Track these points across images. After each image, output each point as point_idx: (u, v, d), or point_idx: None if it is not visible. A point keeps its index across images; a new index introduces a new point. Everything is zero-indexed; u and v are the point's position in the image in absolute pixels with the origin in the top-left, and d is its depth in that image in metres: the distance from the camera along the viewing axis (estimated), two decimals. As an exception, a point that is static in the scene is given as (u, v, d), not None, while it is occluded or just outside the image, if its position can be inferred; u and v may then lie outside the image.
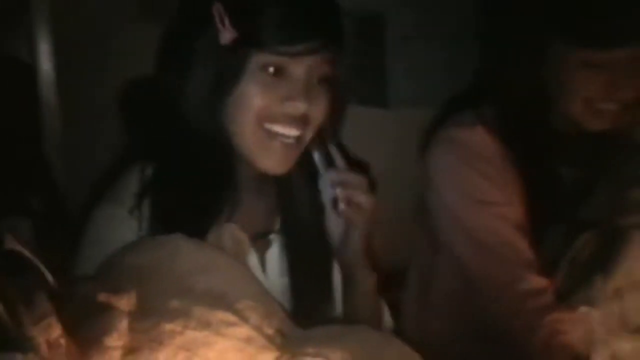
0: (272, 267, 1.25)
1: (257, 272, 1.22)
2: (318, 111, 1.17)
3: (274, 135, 1.14)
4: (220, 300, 0.85)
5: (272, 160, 1.16)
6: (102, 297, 0.81)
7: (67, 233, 1.34)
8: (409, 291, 1.65)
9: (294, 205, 1.28)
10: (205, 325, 0.82)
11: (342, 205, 1.19)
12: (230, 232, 1.00)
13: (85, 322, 0.81)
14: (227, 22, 1.11)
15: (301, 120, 1.15)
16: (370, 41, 2.61)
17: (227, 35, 1.11)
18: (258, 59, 1.11)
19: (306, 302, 1.27)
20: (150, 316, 0.82)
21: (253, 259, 1.22)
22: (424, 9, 2.55)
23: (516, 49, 1.47)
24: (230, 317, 0.83)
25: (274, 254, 1.26)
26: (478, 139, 1.48)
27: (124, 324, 0.80)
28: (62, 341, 0.78)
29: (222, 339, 0.82)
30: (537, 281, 1.43)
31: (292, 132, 1.15)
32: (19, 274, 0.81)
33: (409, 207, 1.65)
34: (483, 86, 1.54)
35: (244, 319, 0.84)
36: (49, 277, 0.85)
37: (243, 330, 0.83)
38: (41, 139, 2.35)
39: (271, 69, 1.12)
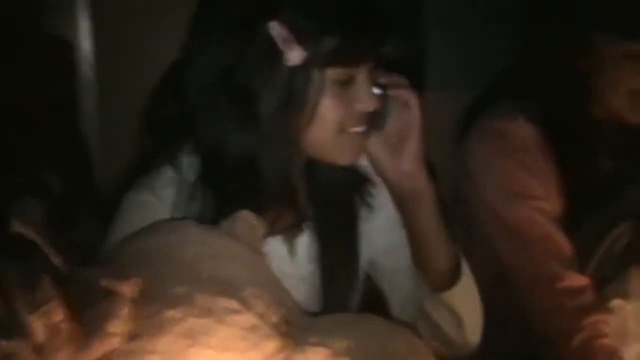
0: (301, 253, 1.26)
1: (284, 259, 1.24)
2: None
3: (352, 135, 1.15)
4: (225, 288, 0.83)
5: (350, 155, 1.18)
6: (104, 283, 0.80)
7: (92, 216, 1.34)
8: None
9: (325, 190, 1.27)
10: (208, 312, 0.80)
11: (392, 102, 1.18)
12: (244, 219, 0.98)
13: (87, 308, 0.80)
14: (292, 42, 1.08)
15: (368, 115, 1.17)
16: (410, 23, 2.58)
17: (295, 55, 1.09)
18: (328, 73, 1.11)
19: (334, 288, 1.26)
20: (153, 302, 0.81)
21: (281, 247, 1.23)
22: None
23: (558, 43, 1.43)
24: (233, 304, 0.82)
25: (305, 240, 1.26)
26: (519, 131, 1.45)
27: (126, 310, 0.79)
28: (64, 326, 0.78)
29: (225, 327, 0.80)
30: (577, 279, 1.40)
31: (361, 129, 1.17)
32: (24, 257, 0.81)
33: (442, 195, 1.62)
34: (524, 77, 1.51)
35: (248, 307, 0.82)
36: (56, 261, 0.84)
37: (246, 318, 0.82)
38: (77, 119, 2.37)
39: (341, 78, 1.12)
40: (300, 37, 1.08)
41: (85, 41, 2.56)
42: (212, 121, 1.14)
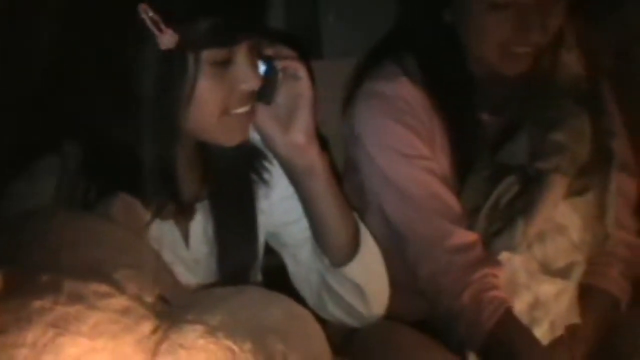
0: (196, 236, 1.24)
1: (178, 243, 1.22)
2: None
3: (236, 116, 1.13)
4: (95, 272, 0.81)
5: (235, 135, 1.16)
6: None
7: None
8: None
9: (219, 170, 1.25)
10: (77, 298, 0.78)
11: (280, 74, 1.18)
12: (121, 200, 0.96)
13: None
14: (162, 25, 1.05)
15: (252, 95, 1.14)
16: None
17: (168, 39, 1.05)
18: (204, 54, 1.07)
19: (231, 268, 1.25)
20: (18, 295, 0.79)
21: (174, 230, 1.21)
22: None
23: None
24: (104, 288, 0.80)
25: (199, 222, 1.24)
26: (402, 92, 1.45)
27: (-11, 305, 0.77)
28: None
29: (96, 312, 0.78)
30: (466, 235, 1.42)
31: (245, 109, 1.14)
32: None
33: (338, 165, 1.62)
34: (402, 36, 1.52)
35: (121, 290, 0.81)
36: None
37: (119, 301, 0.80)
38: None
39: (219, 59, 1.09)
40: (171, 20, 1.05)
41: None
42: (91, 107, 1.10)
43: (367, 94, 1.48)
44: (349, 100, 1.51)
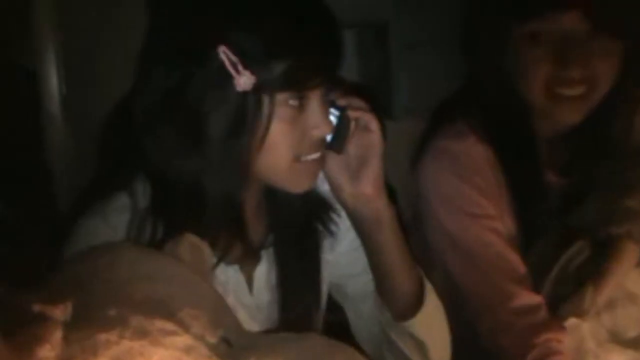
0: (260, 283, 1.24)
1: (242, 289, 1.22)
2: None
3: (306, 162, 1.14)
4: (161, 309, 0.82)
5: (304, 182, 1.17)
6: (36, 307, 0.79)
7: (40, 242, 1.32)
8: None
9: (285, 217, 1.26)
10: (143, 334, 0.79)
11: (352, 125, 1.18)
12: (188, 241, 0.97)
13: (19, 331, 0.78)
14: (240, 67, 1.06)
15: (325, 140, 1.16)
16: (373, 50, 2.59)
17: (245, 81, 1.07)
18: (279, 98, 1.09)
19: (294, 315, 1.25)
20: (86, 326, 0.80)
21: (238, 276, 1.22)
22: (427, 16, 2.52)
23: (480, 41, 1.44)
24: (169, 325, 0.80)
25: (263, 269, 1.25)
26: (469, 150, 1.45)
27: (57, 334, 0.78)
28: (-6, 348, 0.76)
29: (160, 349, 0.79)
30: (530, 298, 1.39)
31: (319, 153, 1.15)
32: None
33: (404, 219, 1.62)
34: (471, 95, 1.52)
35: (185, 328, 0.81)
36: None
37: (183, 340, 0.80)
38: (38, 147, 2.36)
39: (293, 102, 1.10)
40: (249, 62, 1.06)
41: (50, 72, 2.56)
42: (159, 146, 1.12)
43: (434, 152, 1.48)
44: (416, 157, 1.51)
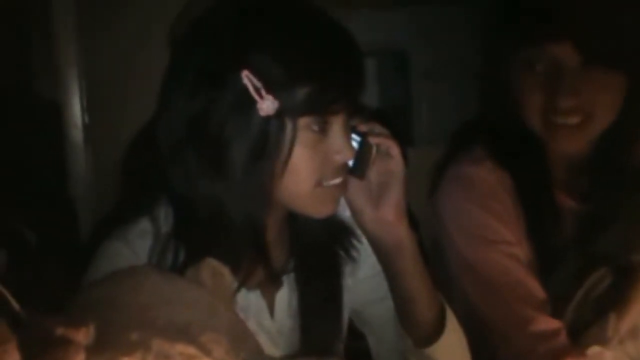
0: (281, 308, 1.24)
1: (262, 311, 1.22)
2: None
3: (328, 187, 1.14)
4: (183, 333, 0.83)
5: (326, 207, 1.16)
6: (59, 330, 0.79)
7: (64, 271, 1.34)
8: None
9: (306, 243, 1.26)
10: (164, 358, 0.80)
11: (373, 151, 1.18)
12: (210, 266, 0.98)
13: (42, 355, 0.79)
14: (263, 91, 1.07)
15: (345, 168, 1.16)
16: (394, 78, 2.61)
17: (268, 105, 1.07)
18: (302, 122, 1.09)
19: (315, 341, 1.24)
20: (108, 349, 0.80)
21: (259, 301, 1.22)
22: (447, 44, 2.54)
23: (486, 68, 1.45)
24: (191, 350, 0.81)
25: (284, 294, 1.25)
26: (486, 175, 1.44)
27: (80, 358, 0.79)
28: (17, 372, 0.77)
29: (181, 373, 0.80)
30: (550, 323, 1.38)
31: (338, 181, 1.15)
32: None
33: (425, 246, 1.62)
34: (483, 119, 1.52)
35: (207, 352, 0.82)
36: (16, 307, 0.84)
37: (204, 364, 0.81)
38: (61, 174, 2.39)
39: (316, 127, 1.10)
40: (272, 86, 1.06)
41: (73, 103, 2.60)
42: (182, 171, 1.12)
43: (450, 178, 1.47)
44: (433, 184, 1.51)
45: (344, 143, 1.13)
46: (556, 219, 1.43)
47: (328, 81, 1.08)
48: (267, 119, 1.07)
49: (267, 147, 1.08)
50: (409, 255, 1.21)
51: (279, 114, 1.07)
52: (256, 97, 1.06)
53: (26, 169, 1.95)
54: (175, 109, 1.12)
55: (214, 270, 0.98)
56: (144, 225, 1.16)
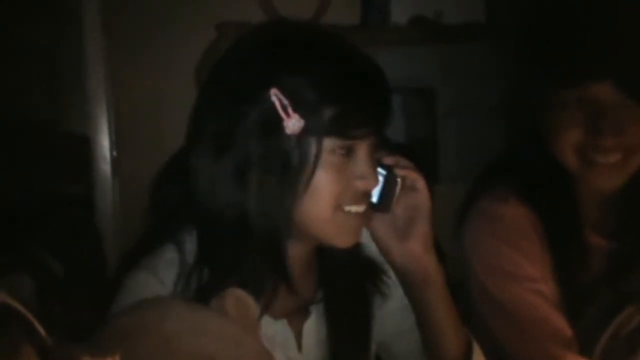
0: (309, 339, 1.24)
1: (290, 344, 1.22)
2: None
3: (349, 214, 1.14)
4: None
5: (347, 236, 1.16)
6: (85, 357, 0.80)
7: (90, 298, 1.34)
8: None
9: (334, 274, 1.26)
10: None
11: (399, 183, 1.18)
12: (233, 295, 0.98)
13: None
14: (290, 110, 1.08)
15: (367, 196, 1.16)
16: (420, 114, 2.61)
17: (294, 124, 1.08)
18: (327, 144, 1.10)
19: None
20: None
21: (286, 329, 1.22)
22: (474, 82, 2.54)
23: (516, 107, 1.44)
24: (216, 380, 0.81)
25: (312, 324, 1.24)
26: (511, 212, 1.43)
27: (105, 385, 0.79)
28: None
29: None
30: None
31: (363, 207, 1.15)
32: (6, 326, 0.81)
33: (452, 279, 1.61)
34: (509, 157, 1.51)
35: (231, 383, 0.82)
36: (42, 334, 0.84)
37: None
38: (89, 207, 2.41)
39: (340, 151, 1.11)
40: (300, 106, 1.07)
41: (102, 137, 2.63)
42: (208, 188, 1.13)
43: (476, 214, 1.47)
44: (459, 221, 1.50)
45: (368, 170, 1.13)
46: (583, 257, 1.41)
47: (354, 105, 1.09)
48: (293, 137, 1.08)
49: (290, 165, 1.09)
50: (437, 287, 1.20)
51: (304, 134, 1.08)
52: (283, 114, 1.07)
53: (55, 201, 1.98)
54: (204, 129, 1.13)
55: (238, 300, 0.98)
56: (170, 254, 1.16)
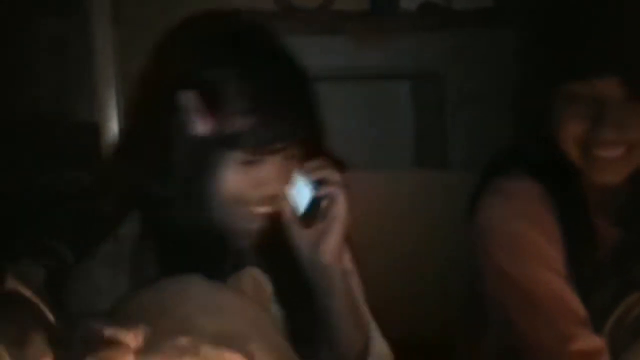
0: None
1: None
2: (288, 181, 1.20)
3: (251, 213, 1.17)
4: (230, 341, 0.84)
5: (250, 225, 1.18)
6: (108, 331, 0.81)
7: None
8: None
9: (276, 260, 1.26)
10: (212, 364, 0.81)
11: (325, 201, 1.20)
12: (251, 276, 0.99)
13: (91, 355, 0.80)
14: (203, 113, 1.12)
15: (274, 198, 1.18)
16: (429, 103, 2.61)
17: (204, 128, 1.12)
18: (233, 154, 1.13)
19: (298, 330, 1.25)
20: (157, 354, 0.82)
21: None
22: (484, 70, 2.53)
23: (523, 98, 1.44)
24: (238, 357, 0.82)
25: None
26: (528, 190, 1.41)
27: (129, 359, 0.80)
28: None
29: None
30: (592, 341, 1.34)
31: (265, 210, 1.18)
32: (16, 313, 0.82)
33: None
34: (521, 147, 1.52)
35: (253, 360, 0.83)
36: (51, 318, 0.85)
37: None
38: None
39: (248, 158, 1.14)
40: (212, 110, 1.11)
41: (112, 125, 2.63)
42: (140, 181, 1.17)
43: (492, 192, 1.44)
44: (473, 201, 1.50)
45: (273, 176, 1.16)
46: (592, 242, 1.41)
47: (264, 121, 1.12)
48: (204, 139, 1.12)
49: (199, 165, 1.13)
50: (340, 296, 1.22)
51: (213, 138, 1.12)
52: (195, 118, 1.11)
53: (64, 189, 1.98)
54: (133, 125, 1.20)
55: (254, 279, 1.00)
56: (111, 244, 1.20)
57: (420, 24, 2.38)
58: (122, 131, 1.25)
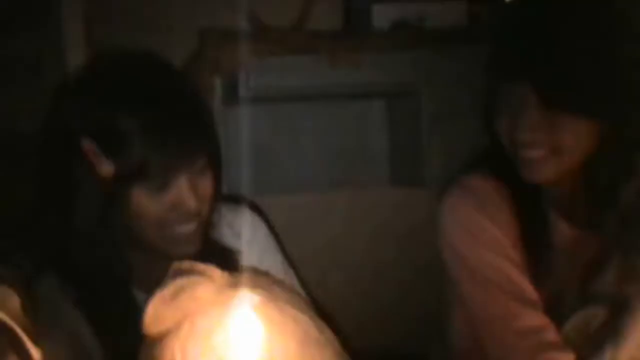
0: None
1: None
2: (207, 195, 1.28)
3: (177, 233, 1.25)
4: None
5: (182, 248, 1.27)
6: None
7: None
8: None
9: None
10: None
11: None
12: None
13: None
14: (101, 157, 1.19)
15: (195, 212, 1.25)
16: (404, 119, 2.62)
17: (106, 169, 1.20)
18: (142, 185, 1.21)
19: None
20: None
21: None
22: (459, 86, 2.54)
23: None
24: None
25: None
26: (484, 185, 1.51)
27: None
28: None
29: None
30: (537, 318, 1.42)
31: (190, 225, 1.26)
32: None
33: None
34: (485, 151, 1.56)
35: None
36: (28, 345, 0.85)
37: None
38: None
39: (154, 185, 1.21)
40: (109, 153, 1.19)
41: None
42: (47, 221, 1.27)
43: (453, 187, 1.55)
44: (439, 199, 1.57)
45: (187, 195, 1.24)
46: (545, 236, 1.47)
47: (157, 154, 1.20)
48: (108, 179, 1.20)
49: (108, 203, 1.21)
50: None
51: (116, 177, 1.20)
52: (94, 161, 1.19)
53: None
54: (41, 167, 1.29)
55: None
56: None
57: (393, 43, 2.40)
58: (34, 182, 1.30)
